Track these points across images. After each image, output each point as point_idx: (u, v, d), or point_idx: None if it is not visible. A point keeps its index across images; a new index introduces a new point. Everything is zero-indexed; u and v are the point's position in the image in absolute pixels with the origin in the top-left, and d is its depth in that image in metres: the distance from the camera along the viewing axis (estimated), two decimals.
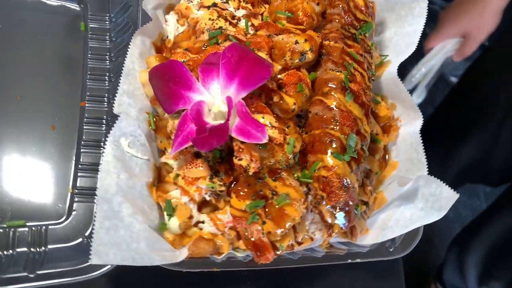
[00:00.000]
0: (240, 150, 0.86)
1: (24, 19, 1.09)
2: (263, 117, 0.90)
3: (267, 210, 0.91)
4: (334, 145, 0.94)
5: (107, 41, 1.10)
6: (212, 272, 0.95)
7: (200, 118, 0.88)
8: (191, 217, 0.92)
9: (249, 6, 1.04)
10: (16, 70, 1.04)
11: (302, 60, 0.96)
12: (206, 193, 0.93)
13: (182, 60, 0.99)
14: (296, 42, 0.94)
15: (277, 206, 0.90)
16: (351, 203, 0.96)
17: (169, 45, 1.09)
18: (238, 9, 1.07)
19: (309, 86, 0.98)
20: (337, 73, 0.99)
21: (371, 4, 1.12)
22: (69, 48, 1.09)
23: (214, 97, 0.91)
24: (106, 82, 1.07)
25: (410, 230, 1.01)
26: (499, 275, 1.85)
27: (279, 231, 0.91)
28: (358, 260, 1.01)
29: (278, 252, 0.93)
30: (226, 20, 1.01)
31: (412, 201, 1.03)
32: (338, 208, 0.95)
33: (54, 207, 0.95)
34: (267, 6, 1.09)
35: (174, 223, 0.90)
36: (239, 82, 0.87)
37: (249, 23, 1.03)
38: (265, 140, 0.83)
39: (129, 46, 0.98)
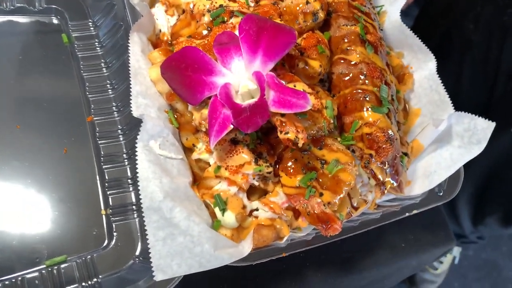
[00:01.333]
0: (283, 123, 0.81)
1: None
2: (294, 85, 0.85)
3: (320, 180, 0.87)
4: (369, 100, 0.91)
5: (98, 48, 1.00)
6: (268, 262, 0.89)
7: (232, 101, 0.82)
8: (244, 207, 0.86)
9: None
10: (6, 99, 0.93)
11: (315, 21, 0.92)
12: (253, 179, 0.87)
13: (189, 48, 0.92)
14: (307, 3, 0.90)
15: (330, 175, 0.86)
16: (397, 155, 0.94)
17: (164, 38, 1.02)
18: None
19: (328, 46, 0.94)
20: (352, 27, 0.95)
21: None
22: (58, 64, 0.98)
23: (239, 77, 0.85)
24: (110, 90, 0.97)
25: (456, 169, 1.00)
26: (491, 210, 1.86)
27: (337, 199, 0.87)
28: (415, 211, 0.99)
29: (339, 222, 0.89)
30: None
31: (448, 142, 1.03)
32: (387, 163, 0.92)
33: (91, 233, 0.86)
34: None
35: (229, 217, 0.84)
36: (264, 54, 0.82)
37: None
38: (309, 106, 0.78)
39: (128, 45, 0.90)
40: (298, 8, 0.90)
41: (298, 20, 0.91)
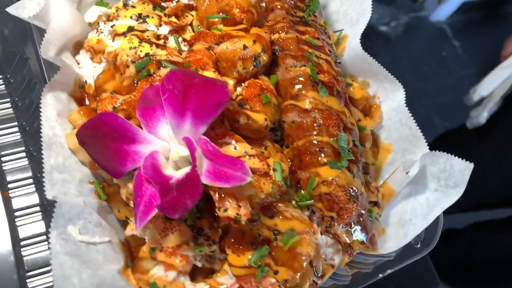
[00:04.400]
0: (222, 197, 0.68)
1: None
2: (235, 147, 0.72)
3: (273, 254, 0.74)
4: (325, 153, 0.78)
5: (10, 108, 0.87)
6: None
7: (159, 174, 0.69)
8: None
9: (173, 19, 0.85)
10: None
11: (257, 66, 0.79)
12: (195, 259, 0.74)
13: (113, 107, 0.79)
14: (245, 47, 0.77)
15: (285, 248, 0.73)
16: (363, 212, 0.81)
17: (91, 91, 0.88)
18: (160, 25, 0.88)
19: (275, 93, 0.81)
20: (301, 68, 0.82)
21: None
22: None
23: (168, 142, 0.72)
24: (26, 158, 0.84)
25: (433, 219, 0.87)
26: None
27: (297, 275, 0.74)
28: (389, 271, 0.87)
29: None
30: (150, 43, 0.82)
31: (423, 184, 0.91)
32: (352, 224, 0.80)
33: None
34: (193, 13, 0.90)
35: None
36: (193, 116, 0.69)
37: (180, 39, 0.84)
38: (249, 178, 0.65)
39: (40, 109, 0.77)
40: (234, 53, 0.77)
41: (236, 67, 0.78)
